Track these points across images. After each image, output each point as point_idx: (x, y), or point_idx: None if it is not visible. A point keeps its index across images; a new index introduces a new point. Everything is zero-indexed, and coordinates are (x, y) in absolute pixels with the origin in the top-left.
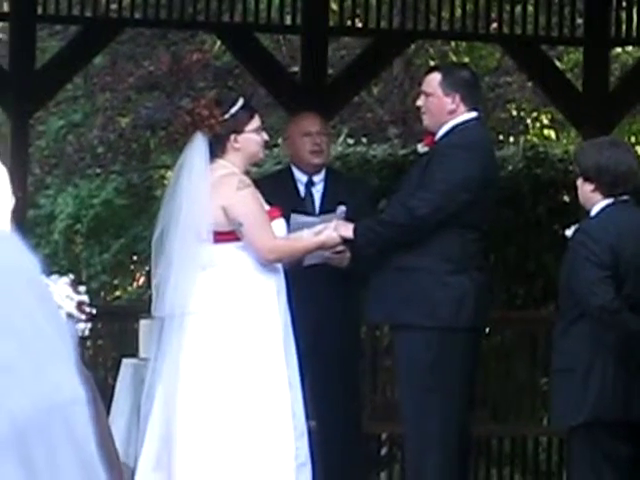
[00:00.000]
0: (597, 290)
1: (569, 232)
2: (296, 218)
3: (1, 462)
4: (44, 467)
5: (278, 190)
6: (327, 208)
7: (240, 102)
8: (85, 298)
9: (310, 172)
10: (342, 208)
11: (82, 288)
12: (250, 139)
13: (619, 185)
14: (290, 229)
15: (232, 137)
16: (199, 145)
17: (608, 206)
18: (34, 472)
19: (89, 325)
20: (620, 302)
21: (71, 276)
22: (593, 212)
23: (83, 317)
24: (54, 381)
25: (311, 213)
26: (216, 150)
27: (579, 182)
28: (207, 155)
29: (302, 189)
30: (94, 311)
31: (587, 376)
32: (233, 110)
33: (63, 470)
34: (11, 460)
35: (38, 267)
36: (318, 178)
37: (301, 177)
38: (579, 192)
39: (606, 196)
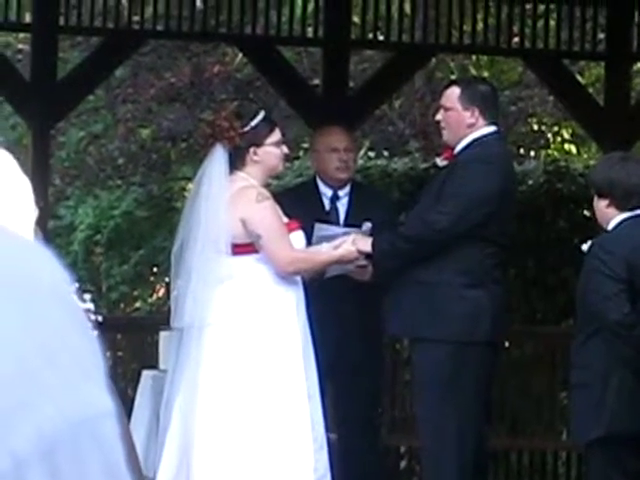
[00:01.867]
0: (612, 304)
1: (585, 246)
2: (320, 228)
3: (31, 477)
4: None
5: (303, 203)
6: (352, 222)
7: (261, 115)
8: (91, 306)
9: (335, 186)
10: (368, 224)
11: (87, 296)
12: (270, 152)
13: (632, 198)
14: (314, 239)
15: (252, 150)
16: (219, 157)
17: (624, 221)
18: None
19: (95, 333)
20: (636, 316)
21: (76, 284)
22: (609, 228)
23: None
24: (83, 394)
25: (335, 225)
26: (236, 162)
27: (595, 201)
28: (227, 167)
29: (327, 202)
30: (100, 319)
31: (604, 391)
32: (253, 123)
33: None
34: (41, 475)
35: (68, 279)
36: (343, 192)
37: (326, 191)
38: (595, 210)
39: (621, 210)
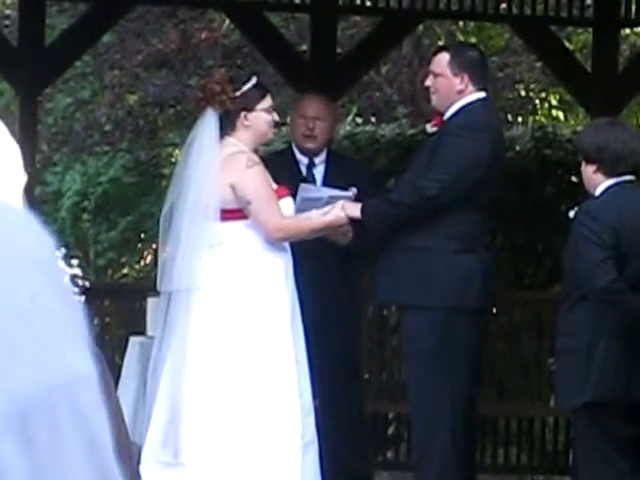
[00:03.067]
0: (598, 271)
1: (572, 213)
2: (305, 188)
3: (2, 441)
4: (47, 447)
5: (281, 169)
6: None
7: (253, 80)
8: (78, 271)
9: (307, 154)
10: (353, 189)
11: (74, 262)
12: (260, 117)
13: (620, 164)
14: (298, 199)
15: (242, 114)
16: (209, 120)
17: (611, 187)
18: (36, 453)
19: (82, 299)
20: (622, 283)
21: (63, 250)
22: (597, 193)
23: (76, 290)
24: (59, 359)
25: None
26: (226, 127)
27: (583, 167)
28: (217, 131)
29: (304, 169)
30: (87, 284)
31: (590, 357)
32: (245, 88)
33: (67, 450)
34: (11, 441)
35: (50, 245)
36: (319, 160)
37: (302, 158)
38: (583, 175)
39: (608, 176)
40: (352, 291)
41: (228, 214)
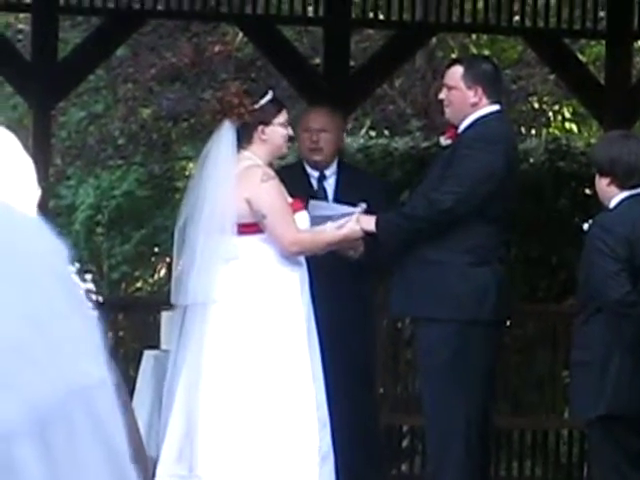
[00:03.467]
0: (612, 283)
1: (586, 226)
2: (315, 205)
3: (21, 449)
4: (65, 454)
5: (291, 183)
6: (341, 202)
7: (270, 94)
8: (92, 286)
9: (316, 167)
10: (363, 205)
11: (88, 276)
12: (277, 132)
13: (633, 176)
14: (309, 215)
15: (260, 128)
16: (227, 133)
17: (625, 199)
18: (54, 460)
19: (96, 313)
20: (636, 295)
21: (77, 265)
22: (611, 206)
23: (90, 305)
24: (75, 366)
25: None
26: (242, 140)
27: (597, 180)
28: (235, 144)
29: (314, 183)
30: (100, 299)
31: (604, 370)
32: (263, 101)
33: (85, 456)
34: (30, 448)
35: (64, 254)
36: (329, 172)
37: (312, 172)
38: (597, 188)
39: (622, 189)
40: (366, 305)
41: (244, 228)
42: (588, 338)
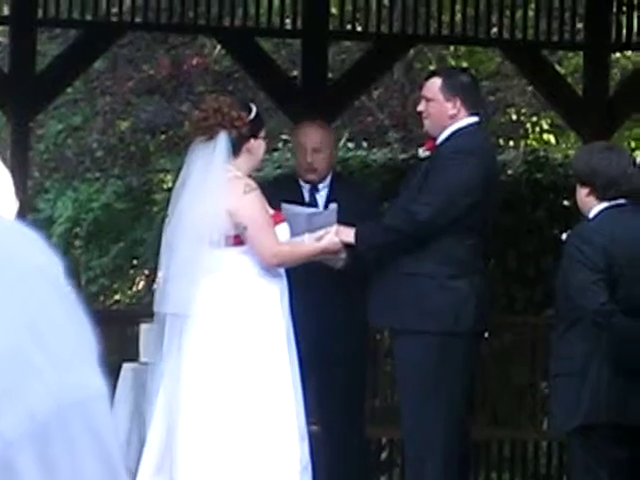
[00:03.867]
0: (590, 294)
1: (565, 236)
2: (286, 208)
3: (21, 458)
4: (64, 465)
5: (283, 194)
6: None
7: (254, 108)
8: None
9: (310, 182)
10: (333, 205)
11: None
12: (261, 145)
13: (611, 188)
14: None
15: (251, 141)
16: (223, 145)
17: (604, 210)
18: (53, 470)
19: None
20: (613, 306)
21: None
22: (590, 216)
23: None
24: (73, 376)
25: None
26: (231, 153)
27: (577, 189)
28: (229, 155)
29: (306, 194)
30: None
31: (582, 380)
32: (252, 115)
33: (83, 467)
34: (30, 459)
35: (59, 265)
36: (322, 184)
37: (304, 184)
38: (577, 198)
39: (601, 200)
40: (355, 314)
41: (225, 240)
42: (566, 349)
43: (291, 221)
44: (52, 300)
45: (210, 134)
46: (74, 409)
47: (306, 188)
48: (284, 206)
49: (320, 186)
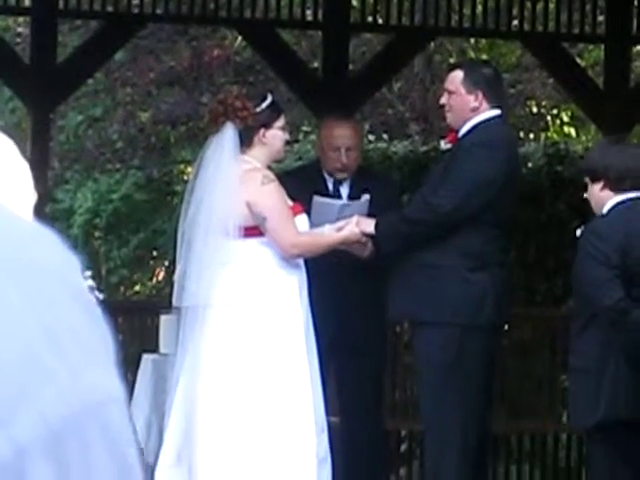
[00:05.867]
0: (605, 290)
1: (579, 232)
2: (318, 201)
3: (34, 465)
4: (79, 470)
5: (307, 184)
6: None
7: (270, 98)
8: (92, 283)
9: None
10: (366, 196)
11: (87, 273)
12: (277, 135)
13: (625, 180)
14: (312, 212)
15: (261, 131)
16: (229, 136)
17: (618, 204)
18: (68, 476)
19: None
20: (629, 302)
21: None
22: (604, 212)
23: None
24: (88, 379)
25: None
26: (243, 144)
27: (589, 187)
28: (237, 147)
29: (330, 185)
30: (101, 296)
31: (601, 376)
32: (264, 105)
33: (98, 471)
34: (45, 463)
35: (78, 266)
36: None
37: (329, 176)
38: (590, 197)
39: (615, 193)
40: (375, 305)
41: (244, 231)
42: (584, 344)
43: (323, 212)
44: (68, 303)
45: (217, 126)
46: (89, 414)
47: (330, 180)
48: (315, 198)
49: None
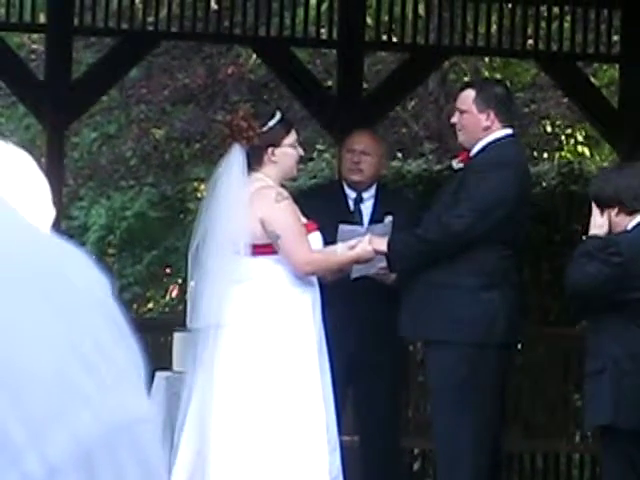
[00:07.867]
0: (589, 268)
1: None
2: (344, 230)
3: None
4: None
5: (328, 202)
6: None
7: (278, 116)
8: None
9: (354, 188)
10: (389, 218)
11: None
12: (287, 153)
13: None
14: (338, 241)
15: (270, 150)
16: (237, 157)
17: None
18: None
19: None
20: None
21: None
22: (629, 228)
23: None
24: (120, 399)
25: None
26: (253, 163)
27: (605, 215)
28: (245, 167)
29: (351, 203)
30: None
31: (610, 380)
32: (271, 123)
33: None
34: None
35: (105, 282)
36: (367, 195)
37: (350, 192)
38: (607, 223)
39: (630, 214)
40: (391, 324)
41: (258, 249)
42: (595, 347)
43: (349, 237)
44: (99, 322)
45: (226, 147)
46: (120, 434)
47: (351, 198)
48: (341, 227)
49: (365, 196)
